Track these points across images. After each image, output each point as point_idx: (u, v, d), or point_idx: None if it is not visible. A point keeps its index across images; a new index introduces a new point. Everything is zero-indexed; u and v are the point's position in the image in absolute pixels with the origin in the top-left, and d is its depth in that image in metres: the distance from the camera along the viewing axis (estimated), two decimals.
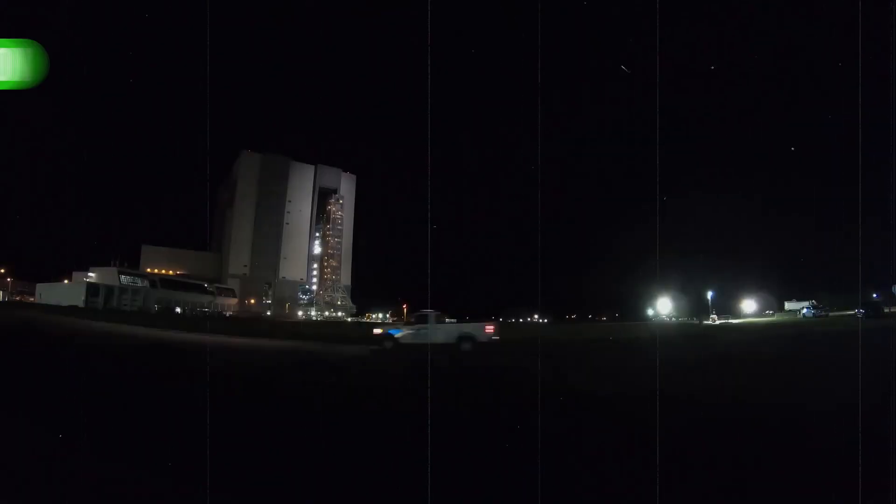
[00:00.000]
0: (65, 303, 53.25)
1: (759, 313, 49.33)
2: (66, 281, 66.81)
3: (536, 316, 78.05)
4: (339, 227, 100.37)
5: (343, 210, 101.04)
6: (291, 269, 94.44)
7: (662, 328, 39.58)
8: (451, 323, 30.81)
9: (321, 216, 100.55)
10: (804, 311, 42.98)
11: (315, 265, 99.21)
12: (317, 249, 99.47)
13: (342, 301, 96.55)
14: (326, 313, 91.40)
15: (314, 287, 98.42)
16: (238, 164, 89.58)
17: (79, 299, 58.88)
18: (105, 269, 70.10)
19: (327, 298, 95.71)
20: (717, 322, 41.38)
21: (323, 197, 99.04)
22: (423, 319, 28.09)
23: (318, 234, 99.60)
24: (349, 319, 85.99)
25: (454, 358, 24.26)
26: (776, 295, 45.86)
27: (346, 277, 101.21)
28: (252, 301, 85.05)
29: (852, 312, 37.97)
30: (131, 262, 76.18)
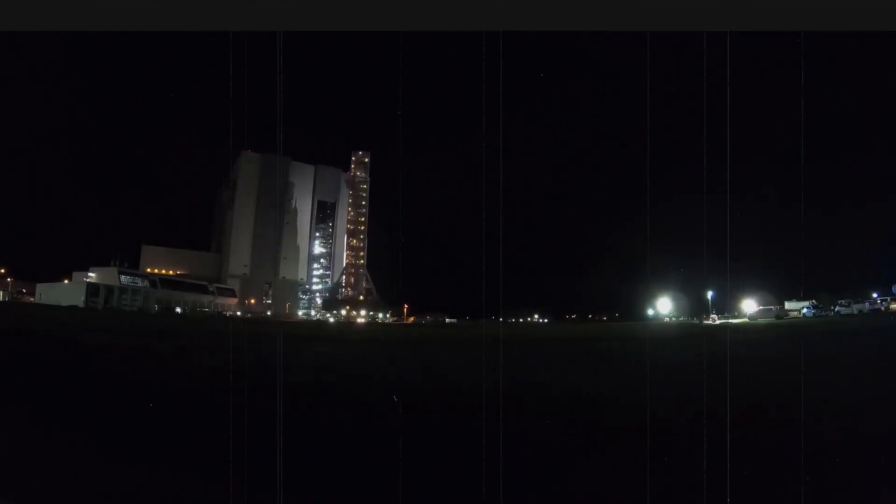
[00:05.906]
0: (65, 303, 53.15)
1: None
2: (66, 281, 66.88)
3: (536, 316, 78.04)
4: (361, 204, 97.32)
5: (367, 182, 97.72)
6: (291, 269, 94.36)
7: (661, 328, 39.51)
8: None
9: (333, 205, 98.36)
10: (804, 311, 43.00)
11: (315, 264, 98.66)
12: (317, 249, 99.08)
13: (367, 295, 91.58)
14: (354, 312, 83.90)
15: (314, 287, 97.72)
16: (238, 164, 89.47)
17: (79, 299, 58.87)
18: (105, 269, 70.14)
19: (352, 292, 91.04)
20: (717, 322, 41.29)
21: (323, 199, 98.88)
22: None
23: (318, 234, 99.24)
24: (360, 319, 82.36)
25: None
26: (776, 295, 45.87)
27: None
28: (252, 301, 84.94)
29: (855, 312, 38.23)
30: (131, 262, 76.25)
